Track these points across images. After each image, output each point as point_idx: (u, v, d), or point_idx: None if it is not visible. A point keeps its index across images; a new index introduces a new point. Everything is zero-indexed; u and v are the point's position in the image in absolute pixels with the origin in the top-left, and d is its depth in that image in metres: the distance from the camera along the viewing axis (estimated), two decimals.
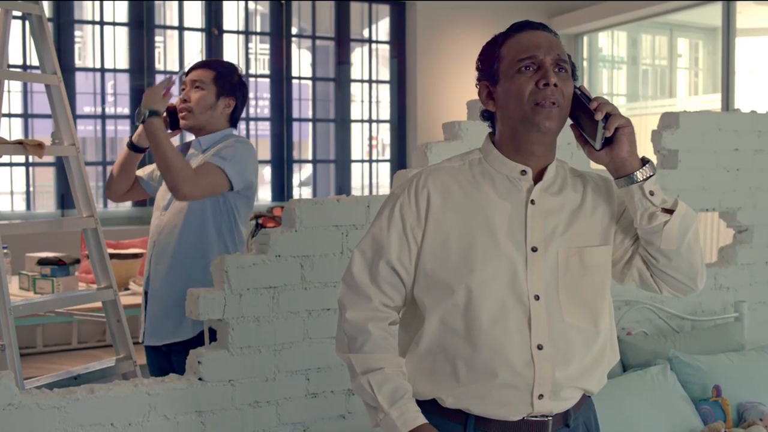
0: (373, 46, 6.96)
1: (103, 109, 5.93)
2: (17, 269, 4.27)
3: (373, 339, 1.59)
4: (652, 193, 1.56)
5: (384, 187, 7.04)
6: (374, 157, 7.12)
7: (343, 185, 6.79)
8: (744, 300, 3.29)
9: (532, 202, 1.59)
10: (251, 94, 6.51)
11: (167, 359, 2.67)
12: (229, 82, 2.75)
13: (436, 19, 6.73)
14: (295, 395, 2.42)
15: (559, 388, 1.56)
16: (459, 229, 1.58)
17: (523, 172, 1.61)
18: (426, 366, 1.60)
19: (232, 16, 6.44)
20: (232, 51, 6.38)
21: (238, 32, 6.43)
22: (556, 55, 1.57)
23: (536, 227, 1.58)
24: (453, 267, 1.56)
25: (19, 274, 4.17)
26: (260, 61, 6.72)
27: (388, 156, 7.14)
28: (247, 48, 6.44)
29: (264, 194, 6.45)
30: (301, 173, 6.95)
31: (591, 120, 1.56)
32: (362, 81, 6.92)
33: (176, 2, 6.20)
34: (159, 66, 6.18)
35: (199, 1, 6.24)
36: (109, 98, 6.07)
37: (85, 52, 6.11)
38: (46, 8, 5.12)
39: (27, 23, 3.04)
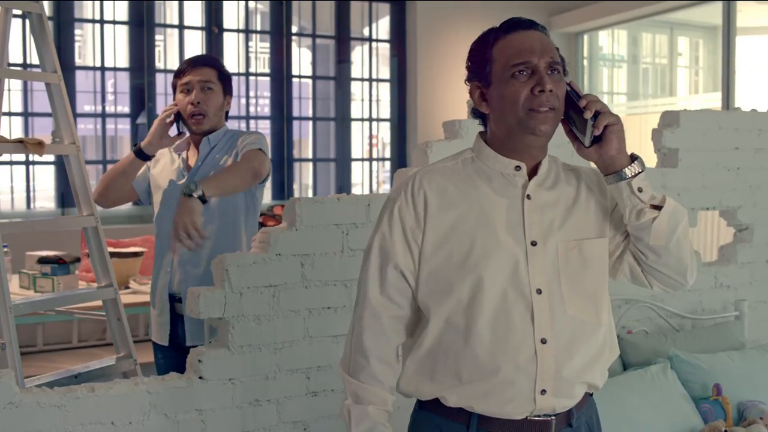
0: (374, 44, 6.95)
1: (104, 108, 5.93)
2: (17, 268, 4.27)
3: (371, 370, 1.60)
4: (640, 190, 1.56)
5: (384, 186, 7.05)
6: (374, 156, 7.12)
7: (344, 184, 6.79)
8: (744, 299, 3.29)
9: (528, 196, 1.60)
10: (251, 93, 6.51)
11: None
12: (228, 78, 2.75)
13: (436, 17, 6.73)
14: (295, 394, 2.42)
15: (565, 384, 1.56)
16: (458, 227, 1.58)
17: (518, 168, 1.61)
18: (428, 366, 1.60)
19: (232, 15, 6.44)
20: (232, 49, 6.38)
21: (238, 31, 6.43)
22: (550, 58, 1.56)
23: (534, 222, 1.59)
24: (454, 265, 1.56)
25: (20, 273, 4.17)
26: (260, 60, 6.72)
27: (388, 155, 7.14)
28: (247, 46, 6.44)
29: (264, 193, 6.44)
30: (302, 175, 6.94)
31: (580, 117, 1.56)
32: (362, 80, 6.92)
33: (176, 1, 6.20)
34: (159, 65, 6.18)
35: (200, 0, 6.23)
36: (110, 97, 6.07)
37: (85, 51, 6.10)
38: (47, 7, 5.12)
39: (27, 22, 3.04)
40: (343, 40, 6.76)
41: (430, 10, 6.72)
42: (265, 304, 2.36)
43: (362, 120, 6.93)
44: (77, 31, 5.96)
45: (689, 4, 6.25)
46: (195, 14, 6.30)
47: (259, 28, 6.70)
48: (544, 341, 1.54)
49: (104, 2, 5.85)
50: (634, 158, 1.58)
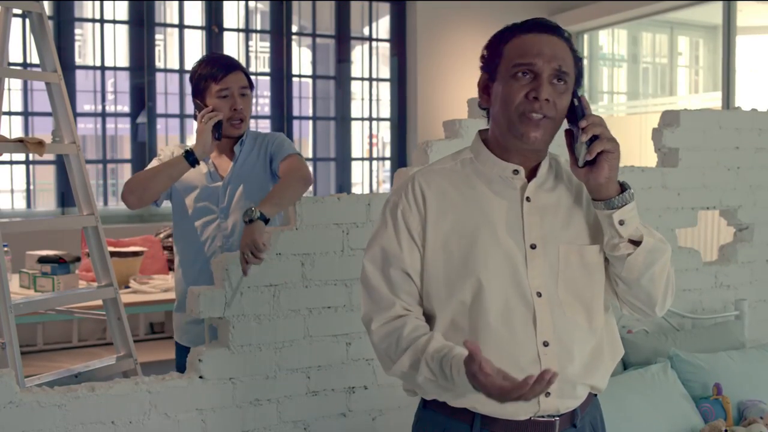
0: (374, 44, 6.95)
1: (104, 107, 5.93)
2: (18, 267, 4.27)
3: (405, 335, 1.54)
4: (621, 223, 1.53)
5: (384, 185, 7.04)
6: (374, 155, 7.11)
7: (344, 183, 6.79)
8: (744, 298, 3.29)
9: (527, 199, 1.59)
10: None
11: None
12: (252, 81, 2.75)
13: (436, 17, 6.72)
14: (295, 393, 2.42)
15: (568, 385, 1.56)
16: (458, 228, 1.57)
17: (515, 172, 1.60)
18: None
19: (232, 14, 6.44)
20: (232, 49, 6.37)
21: (238, 30, 6.43)
22: (557, 66, 1.53)
23: (533, 225, 1.58)
24: (456, 266, 1.56)
25: (20, 272, 4.17)
26: (260, 59, 6.72)
27: (388, 154, 7.13)
28: (247, 46, 6.44)
29: None
30: None
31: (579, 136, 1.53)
32: (362, 79, 6.92)
33: (176, 0, 6.19)
34: (159, 64, 6.18)
35: (200, 0, 6.23)
36: (110, 96, 6.06)
37: (85, 50, 6.10)
38: (47, 6, 5.12)
39: (27, 21, 3.04)
40: (343, 40, 6.76)
41: (430, 9, 6.71)
42: (265, 303, 2.36)
43: (362, 119, 6.93)
44: (77, 31, 5.96)
45: (689, 3, 6.24)
46: (195, 14, 6.30)
47: (259, 28, 6.70)
48: (546, 344, 1.54)
49: (104, 2, 5.85)
50: (624, 188, 1.55)
